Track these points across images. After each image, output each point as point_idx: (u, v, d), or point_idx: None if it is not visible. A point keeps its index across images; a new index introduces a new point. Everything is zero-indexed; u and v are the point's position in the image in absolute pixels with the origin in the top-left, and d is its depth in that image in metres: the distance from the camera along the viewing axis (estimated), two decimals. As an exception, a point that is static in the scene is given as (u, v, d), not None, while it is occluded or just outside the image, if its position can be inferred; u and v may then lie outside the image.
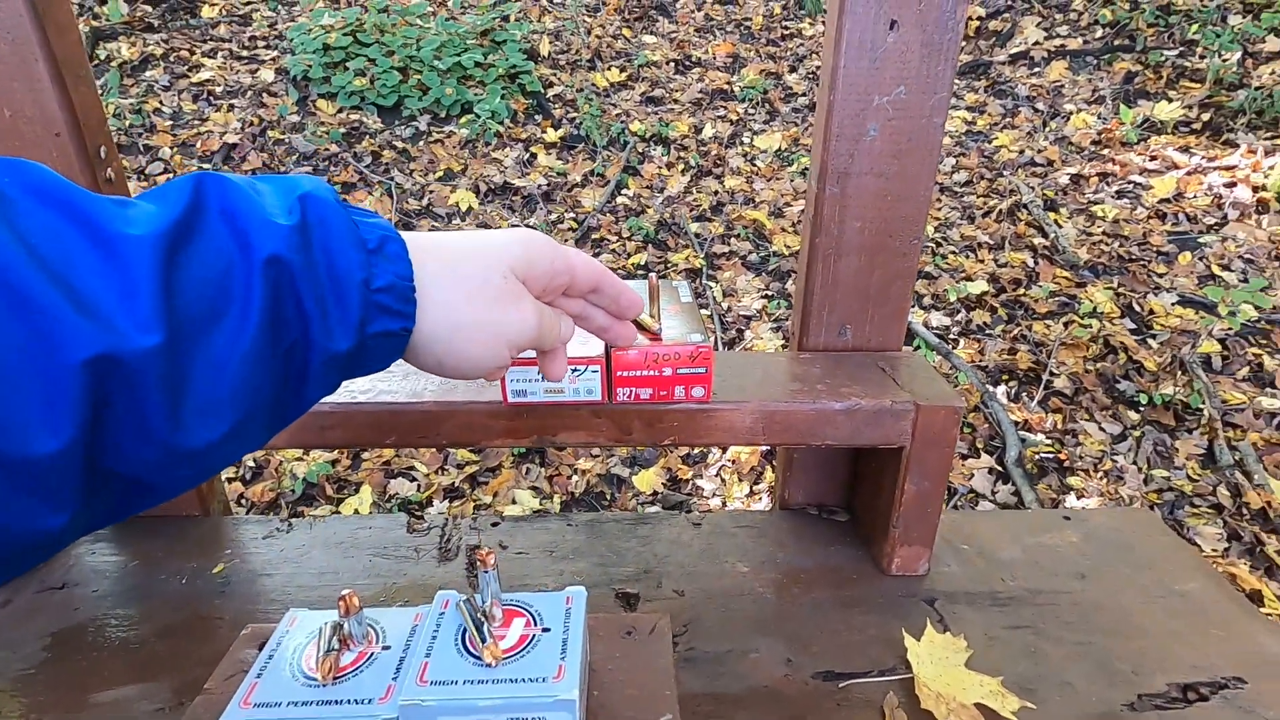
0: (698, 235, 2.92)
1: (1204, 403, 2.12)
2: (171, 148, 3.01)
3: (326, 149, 3.12)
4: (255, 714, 0.29)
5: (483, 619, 0.31)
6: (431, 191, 3.07)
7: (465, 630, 0.32)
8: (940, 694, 0.50)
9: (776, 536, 0.67)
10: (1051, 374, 2.28)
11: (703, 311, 2.42)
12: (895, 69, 0.53)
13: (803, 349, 0.63)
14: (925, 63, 0.53)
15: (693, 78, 3.87)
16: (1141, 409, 2.17)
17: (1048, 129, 3.47)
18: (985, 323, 2.51)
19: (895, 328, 0.63)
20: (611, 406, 0.53)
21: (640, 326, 0.55)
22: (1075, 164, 3.23)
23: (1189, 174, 3.04)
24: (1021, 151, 3.35)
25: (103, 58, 3.25)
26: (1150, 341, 2.36)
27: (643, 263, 2.76)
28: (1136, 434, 2.10)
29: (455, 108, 3.39)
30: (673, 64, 3.95)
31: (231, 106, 3.22)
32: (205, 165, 2.99)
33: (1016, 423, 2.12)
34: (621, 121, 3.51)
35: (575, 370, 0.51)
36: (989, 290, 2.61)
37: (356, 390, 0.55)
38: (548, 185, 3.16)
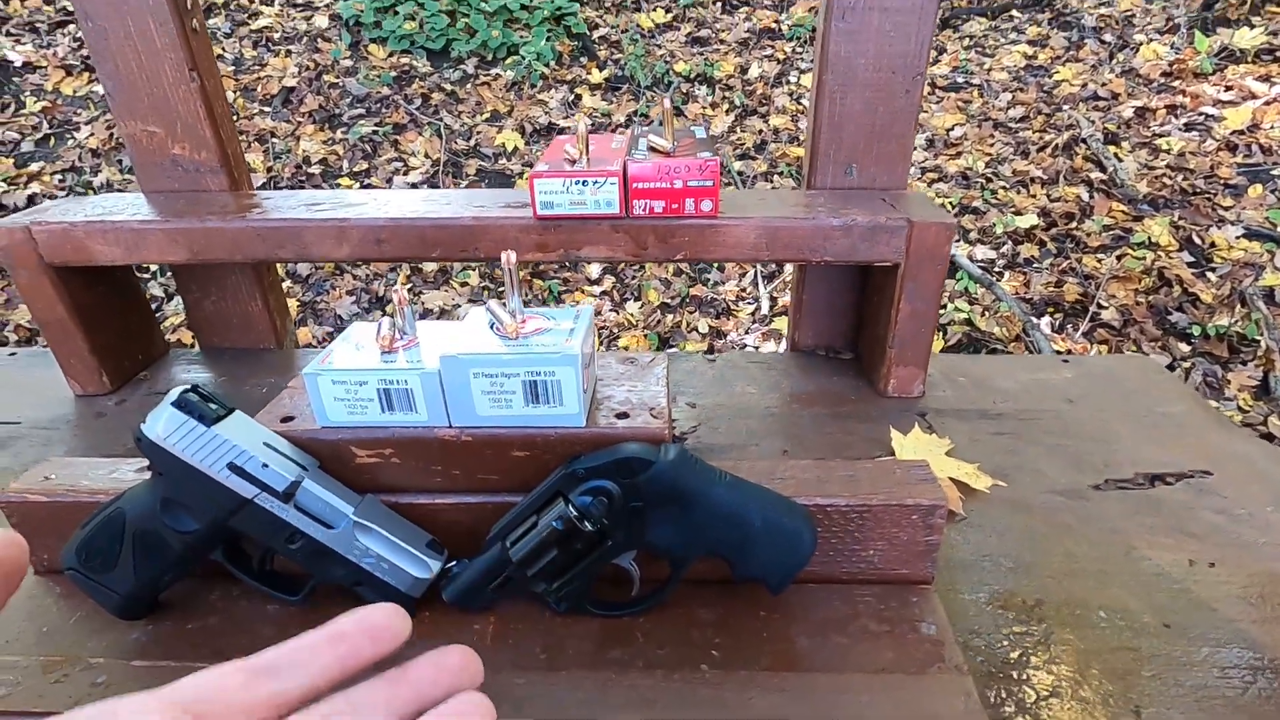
0: (740, 174, 2.92)
1: (1261, 334, 2.05)
2: (234, 92, 3.16)
3: (378, 92, 3.23)
4: (329, 369, 0.37)
5: (507, 311, 0.39)
6: (479, 132, 3.15)
7: (493, 322, 0.39)
8: (918, 470, 0.55)
9: (785, 369, 0.72)
10: (1100, 306, 2.23)
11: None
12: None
13: (810, 189, 0.68)
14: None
15: (739, 17, 3.80)
16: (1194, 341, 2.11)
17: (1114, 61, 3.30)
18: (1033, 256, 2.46)
19: (899, 167, 0.67)
20: (629, 221, 0.60)
21: (654, 149, 0.61)
22: (1141, 96, 3.07)
23: (1267, 104, 2.86)
24: (1084, 85, 3.20)
25: (171, 7, 3.41)
26: (1209, 275, 2.28)
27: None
28: (1186, 365, 2.05)
29: (501, 50, 3.43)
30: (720, 3, 3.88)
31: (289, 52, 3.34)
32: (266, 109, 3.13)
33: (1059, 352, 2.09)
34: (666, 62, 3.49)
35: (595, 183, 0.57)
36: (1039, 224, 2.54)
37: (405, 208, 0.62)
38: (592, 126, 3.20)
